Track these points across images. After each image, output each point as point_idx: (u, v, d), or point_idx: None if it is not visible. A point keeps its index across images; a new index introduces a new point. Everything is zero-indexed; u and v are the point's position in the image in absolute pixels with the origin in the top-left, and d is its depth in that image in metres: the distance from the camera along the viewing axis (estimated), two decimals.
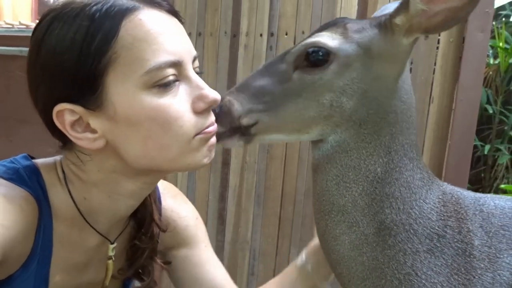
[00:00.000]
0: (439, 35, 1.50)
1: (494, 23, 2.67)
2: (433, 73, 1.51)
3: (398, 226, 0.63)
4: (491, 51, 2.79)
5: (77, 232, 0.71)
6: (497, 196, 0.69)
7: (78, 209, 0.70)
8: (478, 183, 2.76)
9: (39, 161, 0.72)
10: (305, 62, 0.66)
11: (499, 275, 0.60)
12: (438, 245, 0.63)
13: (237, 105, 0.67)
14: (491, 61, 2.78)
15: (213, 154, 0.68)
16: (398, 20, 0.63)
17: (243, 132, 0.68)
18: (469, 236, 0.63)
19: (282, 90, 0.66)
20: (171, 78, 0.62)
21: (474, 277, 0.61)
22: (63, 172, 0.70)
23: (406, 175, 0.65)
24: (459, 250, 0.62)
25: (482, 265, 0.61)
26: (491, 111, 2.70)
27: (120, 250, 0.79)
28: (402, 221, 0.63)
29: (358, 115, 0.65)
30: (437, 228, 0.63)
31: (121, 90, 0.61)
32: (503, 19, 2.78)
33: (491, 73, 2.79)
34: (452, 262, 0.62)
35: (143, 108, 0.61)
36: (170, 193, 0.89)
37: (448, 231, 0.63)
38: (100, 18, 0.60)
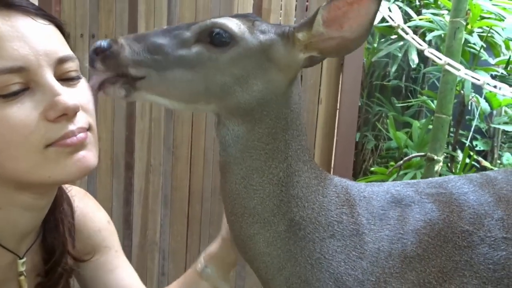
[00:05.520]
0: None
1: None
2: (320, 77, 1.71)
3: (306, 220, 0.73)
4: None
5: None
6: (369, 183, 0.83)
7: None
8: None
9: None
10: (208, 38, 0.68)
11: (382, 246, 0.72)
12: (338, 229, 0.73)
13: (128, 52, 0.66)
14: None
15: (84, 170, 0.65)
16: (301, 35, 0.69)
17: (128, 81, 0.68)
18: (359, 218, 0.74)
19: (177, 55, 0.68)
20: (15, 87, 0.60)
21: (366, 250, 0.72)
22: None
23: (304, 176, 0.73)
24: (354, 231, 0.73)
25: (370, 239, 0.73)
26: (359, 103, 3.11)
27: (31, 266, 0.77)
28: (308, 216, 0.73)
29: (253, 112, 0.70)
30: (335, 216, 0.74)
31: None
32: None
33: None
34: (350, 242, 0.73)
35: None
36: (80, 199, 0.86)
37: (343, 217, 0.74)
38: None
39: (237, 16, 0.74)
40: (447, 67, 1.38)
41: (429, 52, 1.41)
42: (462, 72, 1.37)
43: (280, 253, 0.73)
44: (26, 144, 0.61)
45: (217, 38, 0.68)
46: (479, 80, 1.35)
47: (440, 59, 1.42)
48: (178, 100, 0.71)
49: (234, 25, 0.69)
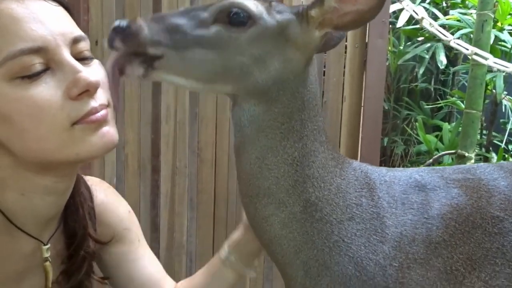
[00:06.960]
0: (346, 41, 1.69)
1: None
2: (343, 75, 1.70)
3: (322, 201, 0.71)
4: None
5: (8, 239, 0.69)
6: (392, 168, 0.81)
7: (3, 213, 0.67)
8: None
9: None
10: (226, 18, 0.68)
11: (405, 230, 0.71)
12: (357, 212, 0.72)
13: (147, 31, 0.66)
14: None
15: (109, 144, 0.66)
16: (313, 12, 0.69)
17: (146, 61, 0.68)
18: (380, 202, 0.73)
19: (196, 35, 0.68)
20: (37, 67, 0.60)
21: (387, 234, 0.70)
22: None
23: (320, 157, 0.73)
24: (374, 214, 0.72)
25: (391, 223, 0.71)
26: (386, 107, 3.06)
27: (54, 253, 0.77)
28: (325, 197, 0.71)
29: (270, 91, 0.70)
30: (354, 198, 0.72)
31: None
32: (390, 26, 3.16)
33: None
34: (370, 225, 0.71)
35: (8, 102, 0.60)
36: (101, 189, 0.87)
37: (363, 199, 0.73)
38: None
39: None
40: (475, 56, 1.34)
41: (456, 42, 1.37)
42: (490, 60, 1.32)
43: (296, 236, 0.72)
44: (53, 123, 0.61)
45: (235, 18, 0.68)
46: (508, 67, 1.30)
47: (467, 49, 1.38)
48: (197, 80, 0.71)
49: (252, 4, 0.69)
